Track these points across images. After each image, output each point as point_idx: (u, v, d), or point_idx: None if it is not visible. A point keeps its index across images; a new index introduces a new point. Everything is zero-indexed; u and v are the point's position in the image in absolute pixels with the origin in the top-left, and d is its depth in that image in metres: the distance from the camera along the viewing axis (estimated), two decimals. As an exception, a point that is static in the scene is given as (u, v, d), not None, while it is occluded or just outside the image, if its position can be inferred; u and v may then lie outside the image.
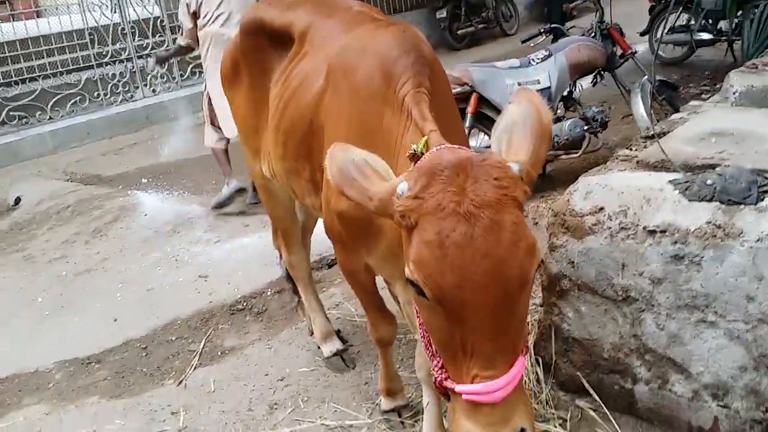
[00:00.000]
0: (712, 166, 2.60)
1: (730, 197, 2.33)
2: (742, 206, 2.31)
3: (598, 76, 5.33)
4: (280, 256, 3.62)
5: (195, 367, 3.54)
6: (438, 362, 1.53)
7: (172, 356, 3.69)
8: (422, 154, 1.70)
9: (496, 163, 1.46)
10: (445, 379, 1.50)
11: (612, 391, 2.69)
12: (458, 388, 1.45)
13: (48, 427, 3.20)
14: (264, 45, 2.88)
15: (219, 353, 3.67)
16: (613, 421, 2.67)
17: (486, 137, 5.04)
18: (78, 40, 8.68)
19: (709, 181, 2.41)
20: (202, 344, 3.74)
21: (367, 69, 2.10)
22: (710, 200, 2.37)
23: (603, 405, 2.71)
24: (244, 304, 4.15)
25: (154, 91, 9.13)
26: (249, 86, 2.99)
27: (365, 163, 1.57)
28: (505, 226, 1.39)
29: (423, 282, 1.40)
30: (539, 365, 2.89)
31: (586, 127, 4.93)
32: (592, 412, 2.73)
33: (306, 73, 2.53)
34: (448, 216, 1.38)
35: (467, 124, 4.78)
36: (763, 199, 2.31)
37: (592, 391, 2.73)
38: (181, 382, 3.42)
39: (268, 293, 4.23)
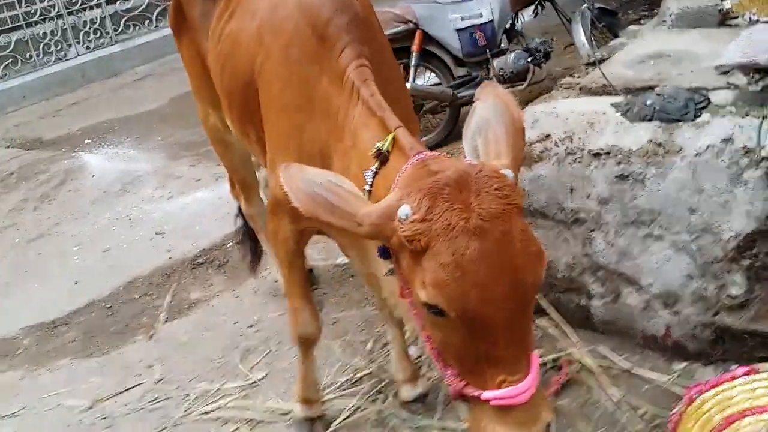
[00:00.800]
0: (651, 88, 2.72)
1: (669, 115, 2.46)
2: (680, 123, 2.44)
3: (539, 6, 5.38)
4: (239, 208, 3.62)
5: (164, 322, 3.58)
6: (452, 372, 1.51)
7: (139, 313, 3.72)
8: (388, 152, 1.69)
9: (493, 173, 1.44)
10: (465, 387, 1.49)
11: (570, 309, 2.85)
12: (486, 395, 1.44)
13: (25, 391, 3.22)
14: None
15: (186, 306, 3.71)
16: (571, 336, 2.83)
17: (433, 75, 5.09)
18: (4, -1, 8.30)
19: (648, 102, 2.53)
20: (167, 299, 3.77)
21: (299, 30, 2.03)
22: (650, 120, 2.50)
23: (561, 322, 2.87)
24: (205, 257, 4.17)
25: (88, 47, 8.82)
26: (193, 37, 2.94)
27: (335, 185, 1.52)
28: (515, 235, 1.39)
29: (446, 304, 1.38)
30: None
31: (529, 59, 5.00)
32: (552, 329, 2.89)
33: (237, 35, 2.42)
34: (460, 234, 1.36)
35: (413, 62, 4.81)
36: (699, 116, 2.44)
37: (550, 310, 2.89)
38: (151, 337, 3.47)
39: (228, 245, 4.24)
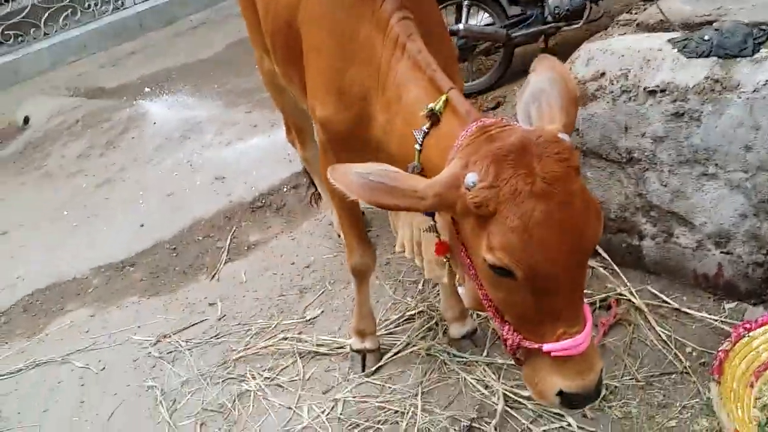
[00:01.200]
0: (710, 23, 2.65)
1: (727, 51, 2.40)
2: (738, 59, 2.38)
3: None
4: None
5: (225, 262, 3.73)
6: (510, 328, 1.58)
7: (202, 254, 3.87)
8: (440, 113, 1.73)
9: (553, 138, 1.49)
10: (523, 341, 1.56)
11: (620, 249, 2.86)
12: (547, 347, 1.51)
13: (94, 327, 3.43)
14: None
15: (245, 248, 3.85)
16: (622, 275, 2.84)
17: (486, 15, 5.00)
18: (62, -51, 8.43)
19: (706, 37, 2.47)
20: (228, 241, 3.92)
21: None
22: (708, 56, 2.44)
23: (612, 262, 2.88)
24: (263, 201, 4.29)
25: (144, -4, 8.93)
26: None
27: (385, 170, 1.57)
28: (577, 196, 1.45)
29: (515, 265, 1.43)
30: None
31: (586, -4, 4.86)
32: (602, 270, 2.90)
33: None
34: (526, 199, 1.41)
35: (465, 2, 4.73)
36: (758, 51, 2.37)
37: (601, 251, 2.89)
38: (213, 276, 3.62)
39: (285, 189, 4.35)
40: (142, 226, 4.28)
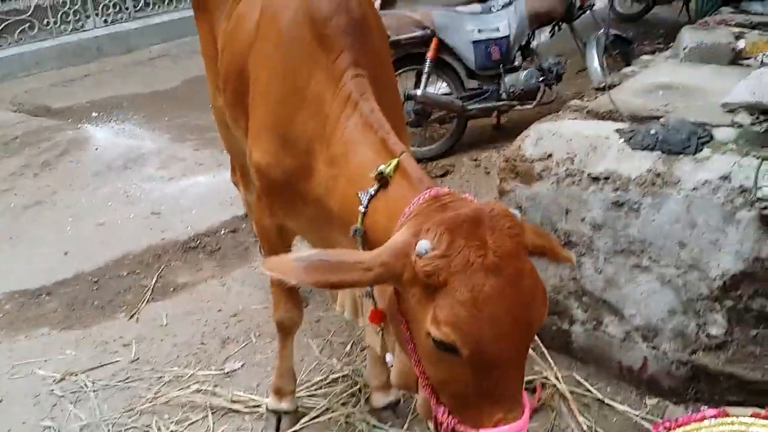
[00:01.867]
0: (657, 118, 2.70)
1: (671, 147, 2.44)
2: (681, 156, 2.42)
3: (556, 27, 5.38)
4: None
5: (147, 302, 3.56)
6: (444, 409, 1.50)
7: (124, 290, 3.70)
8: (389, 176, 1.68)
9: (504, 212, 1.45)
10: (457, 425, 1.48)
11: (550, 332, 2.83)
12: None
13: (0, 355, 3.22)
14: None
15: (171, 289, 3.69)
16: (550, 359, 2.81)
17: (444, 85, 5.08)
18: (28, -37, 8.32)
19: (652, 131, 2.51)
20: (154, 279, 3.76)
21: (296, 22, 1.99)
22: (652, 149, 2.48)
23: (541, 344, 2.85)
24: (198, 242, 4.16)
25: (105, 21, 8.83)
26: (209, 17, 2.93)
27: (323, 251, 1.49)
28: (526, 273, 1.41)
29: (461, 341, 1.37)
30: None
31: (541, 79, 5.00)
32: (531, 351, 2.86)
33: (240, 18, 2.41)
34: (478, 271, 1.36)
35: (426, 69, 4.80)
36: (701, 150, 2.42)
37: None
38: (133, 316, 3.45)
39: (222, 232, 4.24)
40: (66, 254, 4.10)
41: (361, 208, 1.69)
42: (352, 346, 3.08)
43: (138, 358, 3.13)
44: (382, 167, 1.68)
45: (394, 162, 1.69)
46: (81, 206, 4.72)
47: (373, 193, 1.69)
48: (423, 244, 1.40)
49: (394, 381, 1.82)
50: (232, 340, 3.22)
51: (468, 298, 1.35)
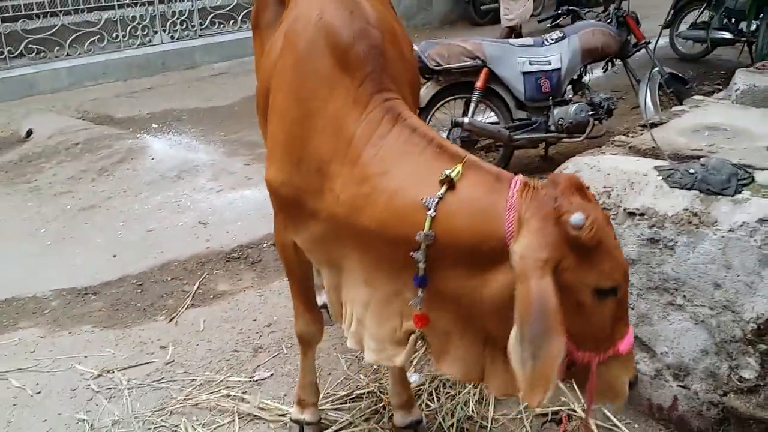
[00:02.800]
0: (699, 158, 2.69)
1: (710, 187, 2.42)
2: (719, 197, 2.40)
3: (609, 63, 5.37)
4: None
5: (187, 307, 3.66)
6: (583, 352, 1.71)
7: (166, 295, 3.82)
8: (456, 179, 1.75)
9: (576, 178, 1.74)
10: (600, 355, 1.72)
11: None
12: (622, 347, 1.72)
13: (41, 349, 3.34)
14: (271, 1, 2.85)
15: (211, 296, 3.79)
16: (578, 392, 2.78)
17: (492, 114, 5.11)
18: (102, -21, 8.73)
19: (691, 170, 2.50)
20: (195, 286, 3.87)
21: (315, 46, 2.02)
22: (690, 188, 2.46)
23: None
24: (240, 252, 4.27)
25: (172, 37, 9.17)
26: (259, 41, 3.03)
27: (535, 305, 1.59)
28: None
29: (623, 279, 1.68)
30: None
31: (591, 113, 4.99)
32: (561, 384, 2.84)
33: (272, 42, 2.46)
34: (607, 223, 1.67)
35: (474, 98, 4.85)
36: (740, 192, 2.39)
37: (561, 363, 2.84)
38: (172, 320, 3.56)
39: (264, 245, 4.33)
40: (114, 256, 4.25)
41: (431, 213, 1.74)
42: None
43: (173, 361, 3.21)
44: (447, 171, 1.75)
45: (459, 167, 1.77)
46: (133, 212, 4.89)
47: (441, 196, 1.75)
48: (578, 218, 1.57)
49: (462, 374, 1.94)
50: (264, 349, 3.28)
51: (615, 244, 1.66)
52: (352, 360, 3.14)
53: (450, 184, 1.75)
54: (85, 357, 3.26)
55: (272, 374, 3.09)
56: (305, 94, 2.03)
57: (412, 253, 1.78)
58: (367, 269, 1.98)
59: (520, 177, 1.73)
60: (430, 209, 1.74)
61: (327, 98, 1.98)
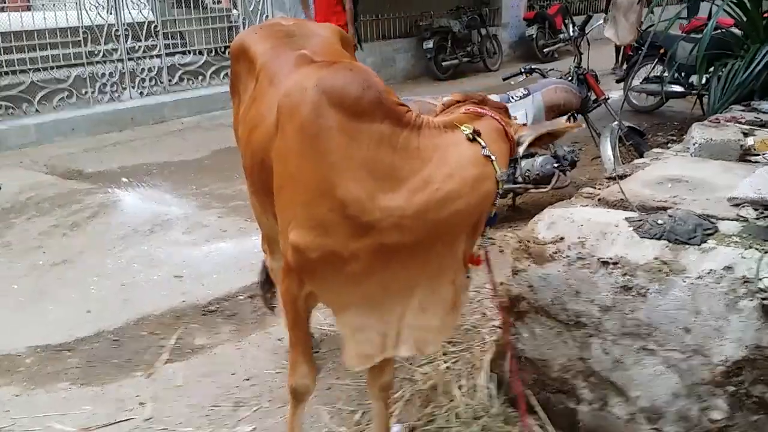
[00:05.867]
0: (665, 209, 2.83)
1: (677, 237, 2.56)
2: (687, 246, 2.53)
3: (572, 118, 5.60)
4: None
5: (164, 362, 3.65)
6: None
7: (143, 350, 3.80)
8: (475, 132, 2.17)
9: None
10: None
11: (557, 410, 2.88)
12: None
13: (17, 408, 3.28)
14: (245, 72, 2.96)
15: (189, 350, 3.79)
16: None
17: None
18: (72, 37, 8.82)
19: (660, 221, 2.63)
20: (172, 340, 3.86)
21: (321, 111, 2.11)
22: (659, 238, 2.59)
23: (548, 422, 2.89)
24: (217, 305, 4.28)
25: (141, 93, 9.25)
26: (238, 105, 3.09)
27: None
28: None
29: None
30: (493, 382, 3.07)
31: (556, 165, 5.19)
32: (538, 429, 2.91)
33: (254, 122, 2.61)
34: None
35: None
36: (705, 241, 2.53)
37: (539, 409, 2.91)
38: (150, 375, 3.54)
39: (241, 297, 4.36)
40: (88, 312, 4.22)
41: (494, 157, 2.19)
42: (362, 415, 3.13)
43: (152, 417, 3.19)
44: (467, 131, 2.16)
45: (465, 127, 2.18)
46: (106, 267, 4.87)
47: (484, 145, 2.16)
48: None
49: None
50: (245, 403, 3.28)
51: None
52: (333, 413, 3.16)
53: (478, 134, 2.15)
54: (63, 415, 3.22)
55: (254, 428, 3.09)
56: (322, 153, 2.10)
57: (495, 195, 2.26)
58: (430, 268, 2.24)
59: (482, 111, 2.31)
60: (491, 157, 2.16)
61: (349, 148, 2.08)
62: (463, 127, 2.16)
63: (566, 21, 13.70)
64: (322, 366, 3.49)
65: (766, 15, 5.85)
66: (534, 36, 14.02)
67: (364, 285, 2.21)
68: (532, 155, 5.23)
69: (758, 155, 3.53)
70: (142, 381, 3.50)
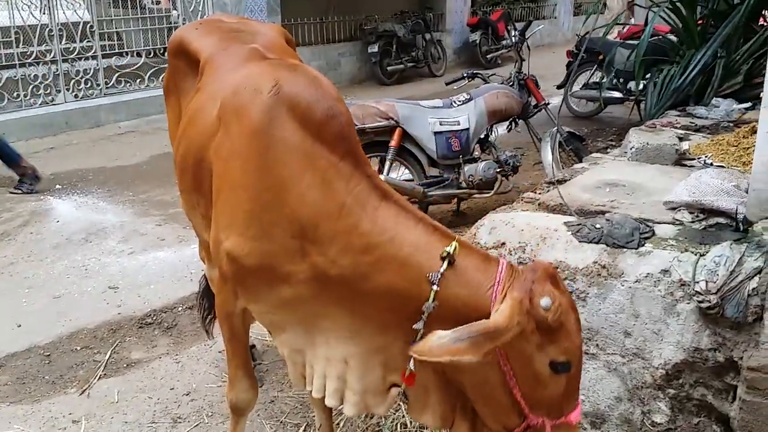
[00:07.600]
0: (603, 213, 2.86)
1: (615, 241, 2.58)
2: (624, 250, 2.56)
3: (513, 123, 5.66)
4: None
5: (99, 378, 3.51)
6: (536, 416, 1.89)
7: (76, 365, 3.65)
8: (454, 256, 1.89)
9: (552, 268, 1.92)
10: (543, 418, 1.89)
11: (502, 416, 2.87)
12: (573, 417, 1.92)
13: (-60, 430, 3.12)
14: (184, 68, 2.84)
15: (125, 365, 3.66)
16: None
17: (406, 171, 5.26)
18: (3, 37, 8.49)
19: (598, 225, 2.65)
20: (107, 355, 3.72)
21: (277, 121, 1.99)
22: (597, 242, 2.61)
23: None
24: (154, 317, 4.15)
25: (76, 96, 8.96)
26: (174, 106, 2.96)
27: (467, 327, 1.76)
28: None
29: (575, 359, 1.86)
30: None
31: (498, 170, 5.23)
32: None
33: (195, 114, 2.45)
34: (573, 310, 1.87)
35: (389, 156, 4.98)
36: (643, 245, 2.56)
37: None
38: (84, 392, 3.40)
39: (179, 309, 4.24)
40: (19, 326, 4.04)
41: (435, 287, 1.87)
42: (305, 427, 3.07)
43: (86, 436, 3.07)
44: (448, 249, 1.89)
45: (454, 244, 1.90)
46: (38, 278, 4.68)
47: (442, 272, 1.87)
48: (546, 302, 1.79)
49: (437, 424, 2.09)
50: (184, 419, 3.18)
51: (575, 329, 1.86)
52: (277, 426, 3.10)
53: (451, 260, 1.88)
54: (-11, 436, 3.07)
55: (194, 444, 3.00)
56: (273, 164, 1.99)
57: (414, 325, 1.88)
58: (354, 326, 2.03)
59: (505, 261, 1.94)
60: (434, 283, 1.87)
61: (304, 167, 1.96)
62: (451, 247, 1.90)
63: (509, 27, 13.87)
64: (265, 378, 3.42)
65: (700, 22, 6.02)
66: (477, 42, 14.18)
67: (297, 310, 2.11)
68: (475, 160, 5.27)
69: (693, 159, 3.62)
70: (76, 398, 3.36)
